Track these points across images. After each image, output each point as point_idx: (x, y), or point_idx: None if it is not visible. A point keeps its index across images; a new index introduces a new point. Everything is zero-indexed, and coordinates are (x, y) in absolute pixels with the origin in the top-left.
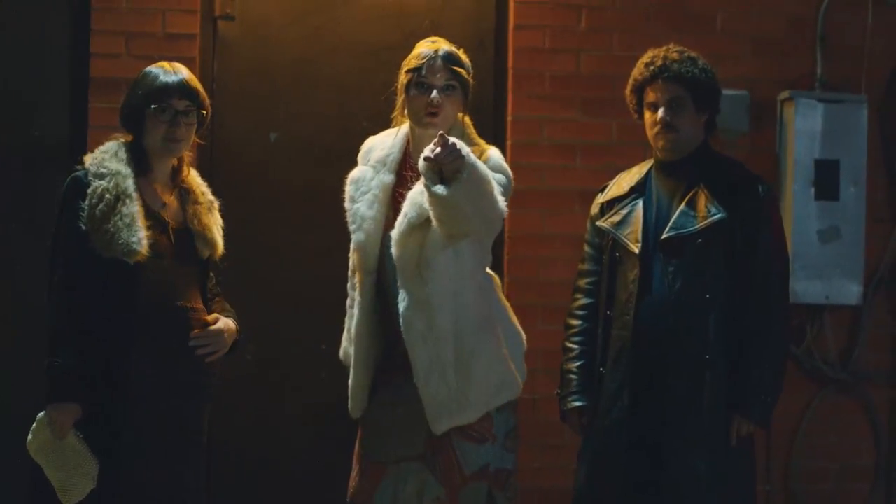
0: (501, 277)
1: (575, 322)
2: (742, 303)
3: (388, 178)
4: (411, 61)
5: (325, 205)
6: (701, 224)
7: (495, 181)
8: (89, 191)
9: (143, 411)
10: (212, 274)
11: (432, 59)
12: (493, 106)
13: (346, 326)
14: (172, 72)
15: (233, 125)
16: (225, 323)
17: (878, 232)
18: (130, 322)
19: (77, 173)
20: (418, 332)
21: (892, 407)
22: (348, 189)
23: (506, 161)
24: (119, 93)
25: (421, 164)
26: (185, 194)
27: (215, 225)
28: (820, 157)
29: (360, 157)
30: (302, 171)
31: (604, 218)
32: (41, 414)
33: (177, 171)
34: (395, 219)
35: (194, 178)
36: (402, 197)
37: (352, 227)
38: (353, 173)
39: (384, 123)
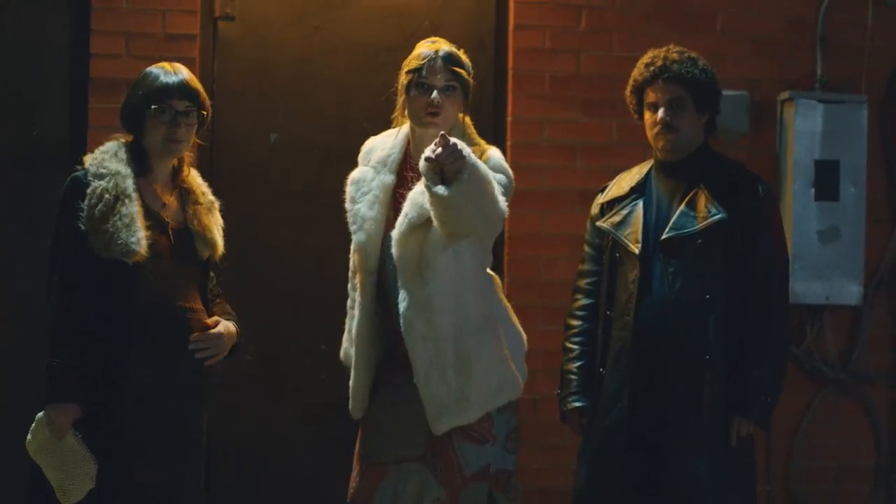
0: (501, 278)
1: (575, 322)
2: (742, 303)
3: (389, 178)
4: (411, 62)
5: (325, 205)
6: (701, 224)
7: (496, 181)
8: (88, 191)
9: (142, 411)
10: (212, 274)
11: (432, 59)
12: (493, 106)
13: (346, 327)
14: (173, 72)
15: (233, 125)
16: (225, 326)
17: (878, 232)
18: (129, 322)
19: (77, 173)
20: (418, 333)
21: (892, 407)
22: (349, 190)
23: (506, 161)
24: (119, 93)
25: (422, 164)
26: (186, 195)
27: (215, 225)
28: (820, 158)
29: (360, 158)
30: (302, 172)
31: (604, 218)
32: (40, 414)
33: (177, 172)
34: (395, 219)
35: (195, 178)
36: (403, 197)
37: (352, 228)
38: (354, 174)
39: (384, 124)
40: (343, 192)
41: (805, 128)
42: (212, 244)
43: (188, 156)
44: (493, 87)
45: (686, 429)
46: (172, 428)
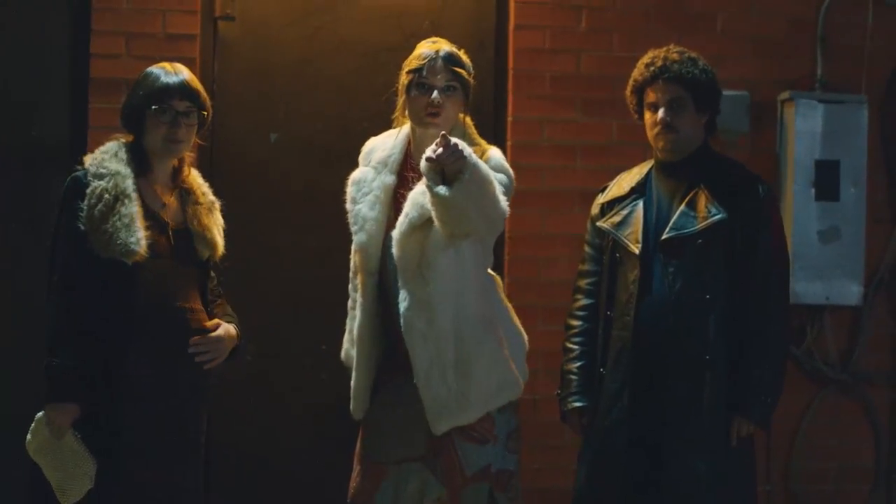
0: (502, 278)
1: (575, 322)
2: (742, 303)
3: (390, 179)
4: (412, 62)
5: (326, 205)
6: (701, 224)
7: (497, 181)
8: (88, 191)
9: (141, 411)
10: (213, 275)
11: (433, 59)
12: (494, 106)
13: (347, 328)
14: (173, 72)
15: (233, 126)
16: (225, 329)
17: (879, 232)
18: (129, 322)
19: (77, 173)
20: (419, 333)
21: (892, 408)
22: (349, 190)
23: (506, 161)
24: (119, 93)
25: (423, 164)
26: (186, 195)
27: (215, 226)
28: (820, 158)
29: (361, 159)
30: (302, 172)
31: (604, 218)
32: (40, 414)
33: (177, 172)
34: (396, 220)
35: (195, 178)
36: (404, 198)
37: (353, 229)
38: (355, 174)
39: (384, 124)
40: (343, 192)
41: (805, 128)
42: (212, 244)
43: (189, 156)
44: (494, 87)
45: (686, 429)
46: (172, 428)
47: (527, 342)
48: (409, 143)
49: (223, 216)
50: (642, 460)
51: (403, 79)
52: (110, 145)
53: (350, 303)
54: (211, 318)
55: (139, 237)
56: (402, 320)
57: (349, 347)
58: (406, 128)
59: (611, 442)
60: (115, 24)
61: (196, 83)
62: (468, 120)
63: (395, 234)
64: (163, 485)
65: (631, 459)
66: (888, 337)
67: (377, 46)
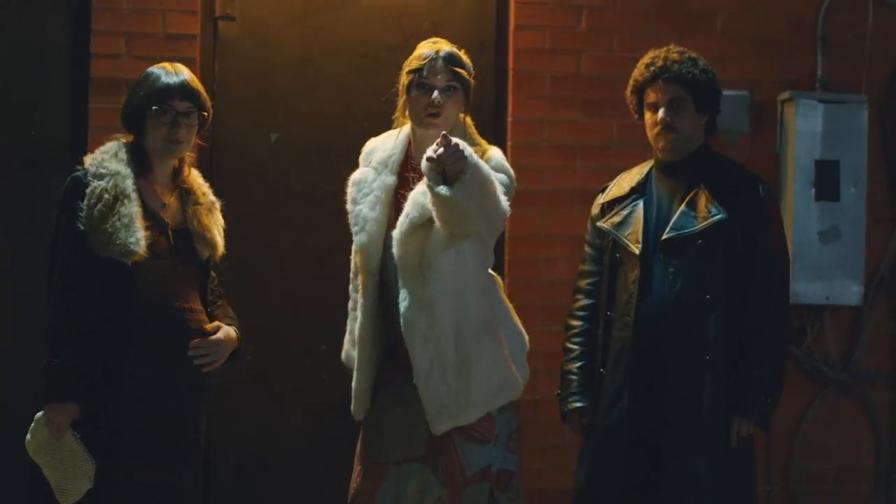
0: (502, 278)
1: (575, 323)
2: (742, 303)
3: (390, 179)
4: (412, 62)
5: (326, 205)
6: (701, 225)
7: (497, 181)
8: (88, 191)
9: (140, 411)
10: (213, 275)
11: (433, 59)
12: (494, 107)
13: (348, 328)
14: (174, 73)
15: (233, 126)
16: (225, 332)
17: (879, 232)
18: (128, 322)
19: (77, 173)
20: (419, 332)
21: (892, 408)
22: (350, 191)
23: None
24: (119, 93)
25: (424, 164)
26: (186, 195)
27: (215, 226)
28: (820, 158)
29: (361, 159)
30: (302, 172)
31: (604, 219)
32: (39, 414)
33: (178, 172)
34: (397, 220)
35: (195, 178)
36: (405, 198)
37: (354, 229)
38: (355, 175)
39: (385, 124)
40: (343, 192)
41: (805, 128)
42: (211, 244)
43: (189, 156)
44: (494, 87)
45: (686, 429)
46: (171, 428)
47: (527, 342)
48: (409, 143)
49: (223, 216)
50: (642, 460)
51: (404, 79)
52: (110, 145)
53: (351, 304)
54: (211, 319)
55: (139, 237)
56: (402, 320)
57: (350, 348)
58: (406, 128)
59: (611, 442)
60: (116, 24)
61: (197, 84)
62: (468, 120)
63: (396, 233)
64: (162, 485)
65: (631, 459)
66: (888, 337)
67: (377, 46)
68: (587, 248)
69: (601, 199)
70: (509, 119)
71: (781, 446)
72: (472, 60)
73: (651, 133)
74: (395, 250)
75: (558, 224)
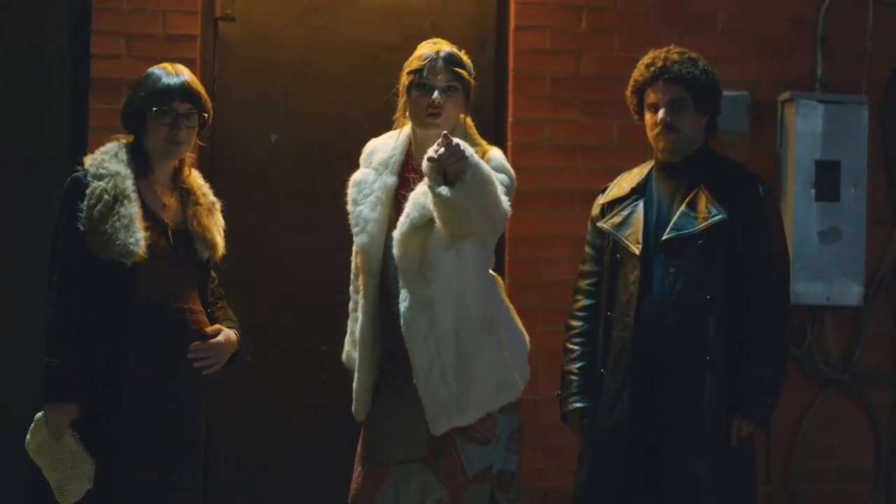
0: (502, 278)
1: (576, 323)
2: (742, 304)
3: (391, 180)
4: (413, 62)
5: (326, 206)
6: (701, 225)
7: (498, 181)
8: (88, 191)
9: (140, 412)
10: (214, 275)
11: (433, 60)
12: (494, 107)
13: (349, 329)
14: (174, 74)
15: (233, 126)
16: (226, 335)
17: (879, 233)
18: (128, 323)
19: (77, 174)
20: (419, 333)
21: (892, 408)
22: (350, 192)
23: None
24: (120, 94)
25: (425, 164)
26: (186, 195)
27: (216, 226)
28: (820, 158)
29: (362, 160)
30: (302, 173)
31: (604, 219)
32: (39, 414)
33: (178, 173)
34: (397, 220)
35: (196, 179)
36: (405, 199)
37: (355, 230)
38: (356, 176)
39: (385, 124)
40: (343, 192)
41: (805, 128)
42: (211, 245)
43: (189, 156)
44: (494, 87)
45: (686, 429)
46: (171, 428)
47: (528, 343)
48: (410, 143)
49: (223, 217)
50: (642, 461)
51: (404, 79)
52: (110, 146)
53: (351, 304)
54: (212, 321)
55: (138, 238)
56: (402, 320)
57: (351, 349)
58: (407, 129)
59: (611, 442)
60: (116, 24)
61: (197, 85)
62: (469, 120)
63: (397, 234)
64: (162, 485)
65: (631, 460)
66: (888, 337)
67: (377, 47)
68: (587, 249)
69: (601, 199)
70: (509, 119)
71: (782, 446)
72: (472, 61)
73: (651, 133)
74: (395, 251)
75: (558, 224)
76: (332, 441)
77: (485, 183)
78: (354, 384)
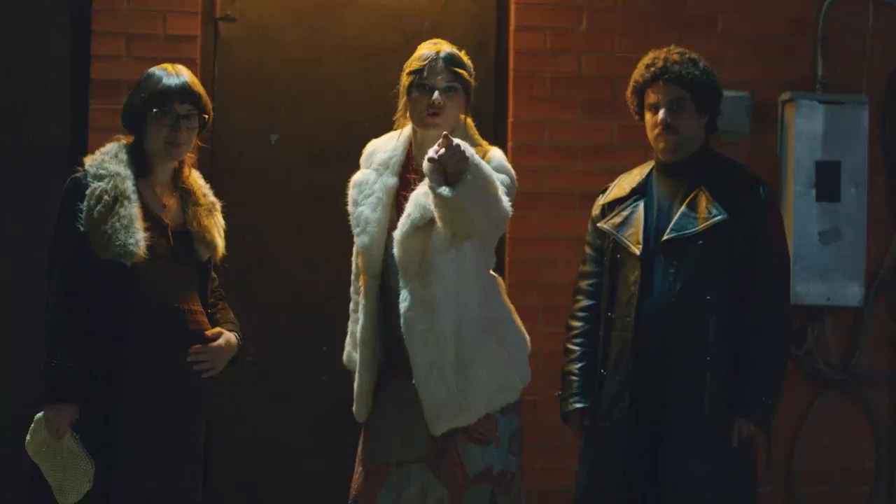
0: (502, 279)
1: (576, 324)
2: (743, 304)
3: (392, 180)
4: (413, 63)
5: (326, 207)
6: (702, 225)
7: (499, 182)
8: (88, 192)
9: (140, 412)
10: (214, 276)
11: (434, 60)
12: (494, 108)
13: (349, 330)
14: (175, 74)
15: (233, 127)
16: (226, 339)
17: (879, 233)
18: (128, 323)
19: (77, 175)
20: (419, 333)
21: (892, 408)
22: (351, 192)
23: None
24: (120, 94)
25: (425, 165)
26: (187, 196)
27: (216, 227)
28: (821, 159)
29: (362, 161)
30: (302, 173)
31: (605, 219)
32: (39, 415)
33: (178, 173)
34: (398, 221)
35: (196, 179)
36: (406, 199)
37: (355, 231)
38: (356, 177)
39: (385, 125)
40: (344, 193)
41: (806, 129)
42: (211, 246)
43: (190, 157)
44: (494, 88)
45: (687, 430)
46: (171, 429)
47: (529, 343)
48: (410, 144)
49: (223, 217)
50: (643, 461)
51: (404, 80)
52: (111, 146)
53: (352, 305)
54: (212, 322)
55: (138, 238)
56: (402, 321)
57: (351, 350)
58: (407, 129)
59: (611, 443)
60: (116, 25)
61: (197, 86)
62: (469, 121)
63: (397, 234)
64: (161, 486)
65: (631, 460)
66: (889, 337)
67: (378, 47)
68: (588, 249)
69: (602, 200)
70: (510, 120)
71: (782, 447)
72: (472, 61)
73: (651, 134)
74: (395, 251)
75: (559, 225)
76: (332, 442)
77: (486, 183)
78: (355, 385)
